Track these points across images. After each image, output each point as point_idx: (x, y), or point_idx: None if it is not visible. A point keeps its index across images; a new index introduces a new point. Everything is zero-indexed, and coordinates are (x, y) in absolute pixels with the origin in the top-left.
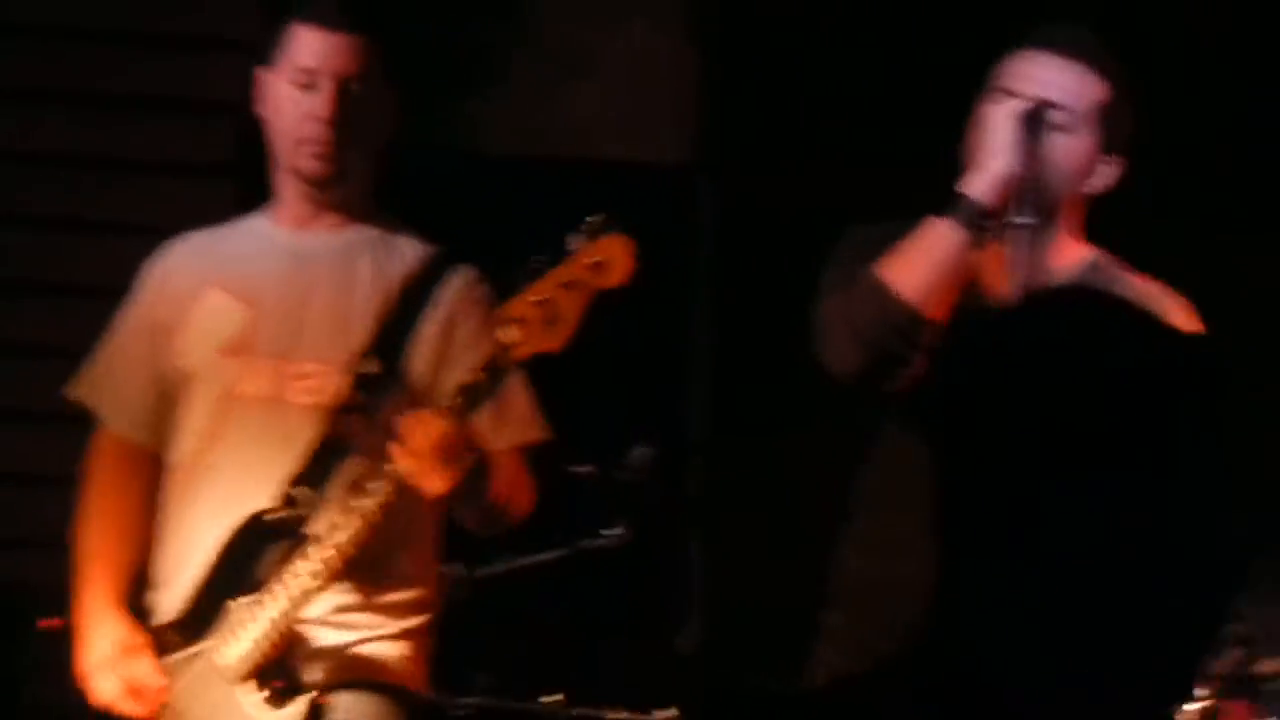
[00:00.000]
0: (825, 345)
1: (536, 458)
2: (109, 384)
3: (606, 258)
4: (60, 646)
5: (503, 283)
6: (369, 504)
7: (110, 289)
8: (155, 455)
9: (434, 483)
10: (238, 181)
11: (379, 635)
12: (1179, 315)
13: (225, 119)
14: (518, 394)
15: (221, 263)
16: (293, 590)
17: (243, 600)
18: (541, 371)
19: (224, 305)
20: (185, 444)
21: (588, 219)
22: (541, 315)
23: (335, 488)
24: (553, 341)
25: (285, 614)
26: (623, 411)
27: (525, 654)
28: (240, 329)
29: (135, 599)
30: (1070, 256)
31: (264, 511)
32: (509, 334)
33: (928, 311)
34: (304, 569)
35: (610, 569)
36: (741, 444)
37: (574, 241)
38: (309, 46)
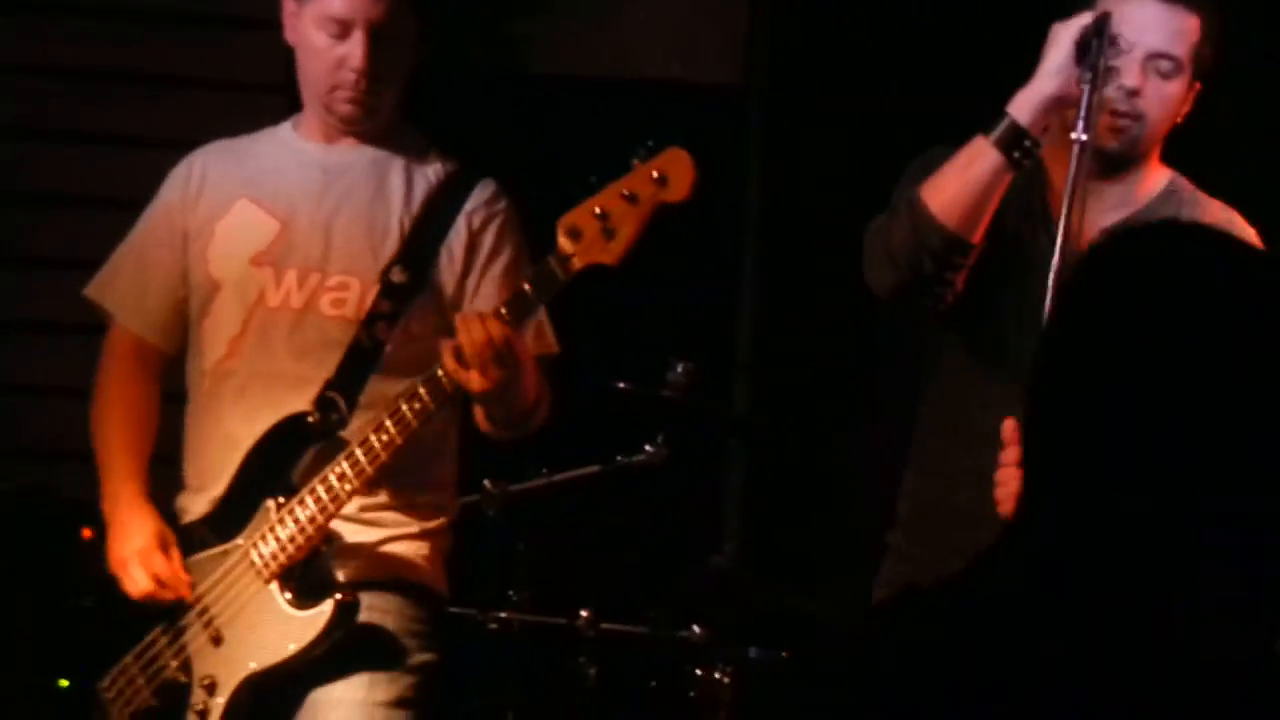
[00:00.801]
0: (866, 262)
1: (574, 373)
2: (125, 284)
3: (668, 172)
4: (100, 554)
5: (551, 201)
6: (406, 412)
7: None
8: (165, 357)
9: (477, 381)
10: (287, 99)
11: (403, 534)
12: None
13: (276, 37)
14: None
15: (251, 173)
16: (326, 494)
17: (277, 501)
18: (589, 287)
19: (254, 217)
20: (215, 351)
21: (650, 141)
22: (600, 227)
23: (369, 394)
24: (609, 254)
25: (317, 517)
26: (669, 328)
27: (560, 569)
28: (271, 241)
29: (167, 502)
30: (1149, 181)
31: (300, 414)
32: (565, 244)
33: (962, 232)
34: (338, 473)
35: (649, 485)
36: (788, 363)
37: (637, 157)
38: None
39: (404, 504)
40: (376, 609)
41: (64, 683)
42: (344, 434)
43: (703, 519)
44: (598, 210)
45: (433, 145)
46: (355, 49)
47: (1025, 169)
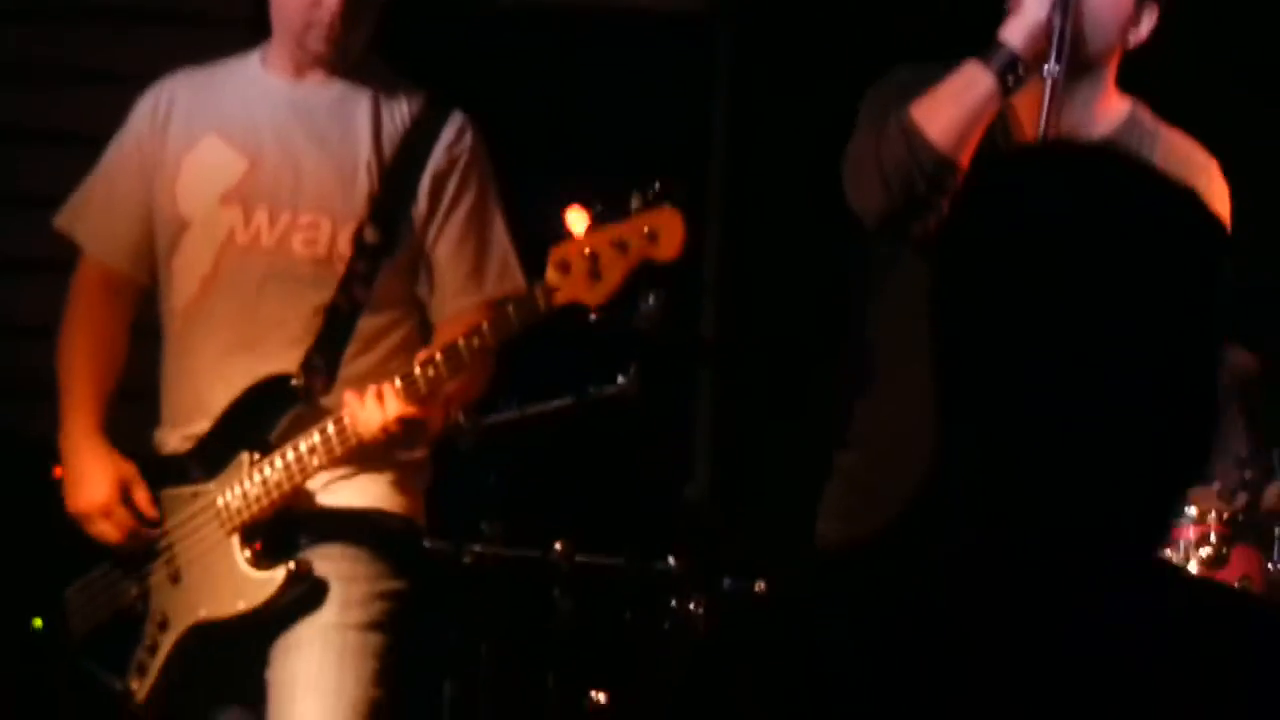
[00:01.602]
0: (852, 184)
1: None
2: (95, 214)
3: (660, 230)
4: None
5: (521, 134)
6: (430, 372)
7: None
8: (138, 285)
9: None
10: (251, 33)
11: (382, 465)
12: (1204, 176)
13: None
14: (499, 238)
15: (217, 107)
16: (295, 463)
17: (251, 455)
18: (552, 220)
19: (222, 153)
20: (187, 289)
21: (657, 182)
22: (588, 268)
23: (349, 360)
24: (593, 296)
25: (283, 482)
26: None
27: (532, 501)
28: (239, 178)
29: (138, 438)
30: (1109, 110)
31: (285, 376)
32: (553, 277)
33: (955, 156)
34: (309, 446)
35: (619, 417)
36: (753, 292)
37: (634, 200)
38: None
39: (378, 466)
40: (351, 540)
41: (38, 622)
42: (325, 401)
43: (675, 449)
44: (588, 251)
45: (400, 78)
46: None
47: (1015, 92)
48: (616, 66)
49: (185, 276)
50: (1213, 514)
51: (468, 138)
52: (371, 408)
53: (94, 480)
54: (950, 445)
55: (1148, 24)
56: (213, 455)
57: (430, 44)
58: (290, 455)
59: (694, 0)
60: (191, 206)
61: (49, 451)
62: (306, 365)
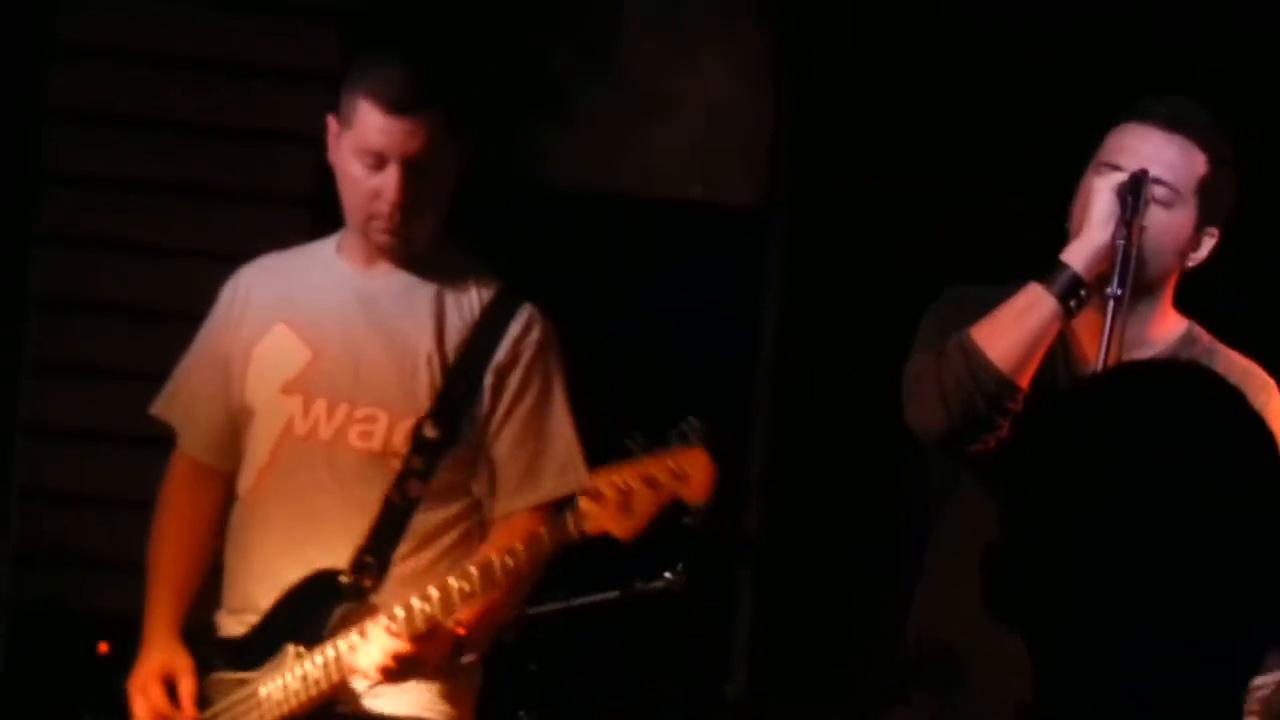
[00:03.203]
0: (912, 404)
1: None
2: (183, 404)
3: (689, 472)
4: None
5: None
6: (426, 608)
7: (188, 314)
8: (226, 476)
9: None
10: (312, 211)
11: (423, 687)
12: (1264, 394)
13: (301, 149)
14: (562, 435)
15: (289, 296)
16: (335, 659)
17: (297, 649)
18: (609, 410)
19: (288, 342)
20: (247, 480)
21: (690, 420)
22: (619, 500)
23: (402, 556)
24: (622, 529)
25: (321, 680)
26: None
27: (572, 693)
28: (302, 368)
29: (204, 615)
30: (1165, 329)
31: (335, 572)
32: (586, 506)
33: (1017, 378)
34: (350, 644)
35: (664, 611)
36: (803, 489)
37: (672, 435)
38: (375, 128)
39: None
40: None
41: None
42: (375, 598)
43: (716, 646)
44: (622, 485)
45: (473, 265)
46: (390, 182)
47: (1077, 314)
48: (667, 255)
49: (247, 466)
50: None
51: (535, 331)
52: (368, 646)
53: (146, 658)
54: (1048, 697)
55: (1207, 247)
56: (263, 644)
57: (489, 222)
58: (330, 653)
59: (747, 194)
60: (256, 396)
61: (95, 625)
62: (357, 562)
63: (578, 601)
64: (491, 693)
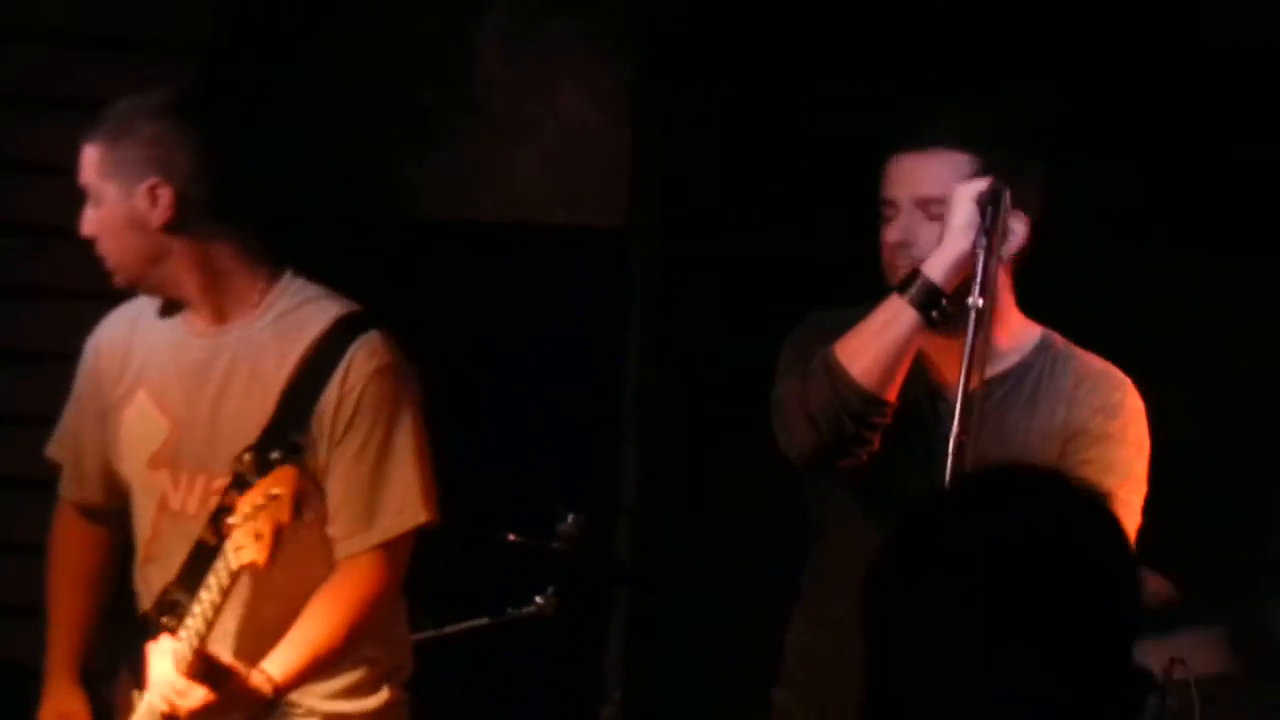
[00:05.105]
0: (780, 426)
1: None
2: (68, 449)
3: (276, 488)
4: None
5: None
6: (205, 600)
7: (63, 354)
8: (114, 512)
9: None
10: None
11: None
12: (1119, 392)
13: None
14: (402, 471)
15: (146, 359)
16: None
17: (140, 692)
18: (473, 436)
19: (149, 414)
20: (138, 552)
21: (289, 438)
22: (253, 531)
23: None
24: (260, 556)
25: (152, 709)
26: (554, 476)
27: None
28: (163, 440)
29: None
30: (1016, 337)
31: (148, 613)
32: (239, 537)
33: (882, 393)
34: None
35: (536, 636)
36: (673, 511)
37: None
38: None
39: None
40: None
41: None
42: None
43: (590, 670)
44: (251, 511)
45: (310, 296)
46: (86, 218)
47: (938, 325)
48: (531, 280)
49: (138, 533)
50: None
51: (373, 361)
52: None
53: (44, 707)
54: None
55: (1020, 235)
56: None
57: (352, 256)
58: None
59: (609, 216)
60: (129, 470)
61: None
62: (161, 601)
63: (449, 629)
64: None
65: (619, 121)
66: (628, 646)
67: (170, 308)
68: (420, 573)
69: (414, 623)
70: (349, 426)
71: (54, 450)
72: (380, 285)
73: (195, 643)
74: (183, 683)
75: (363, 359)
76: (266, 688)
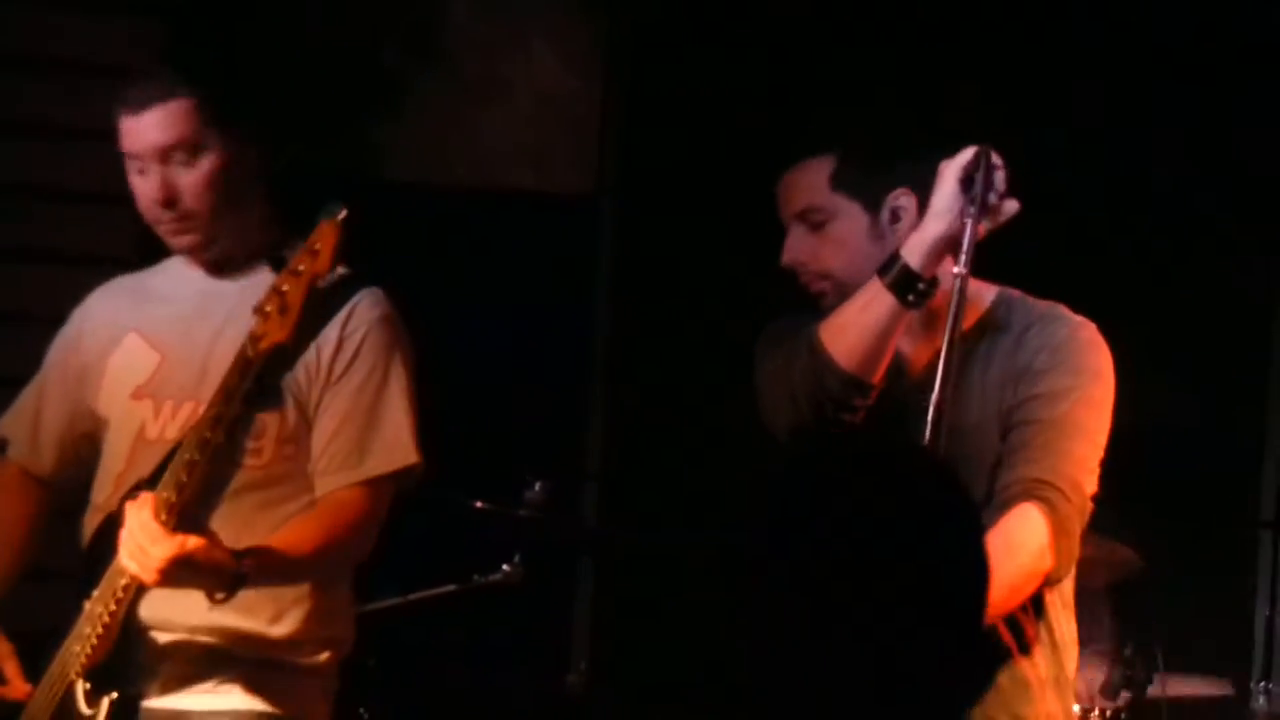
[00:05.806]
0: (765, 409)
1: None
2: (24, 418)
3: (319, 244)
4: None
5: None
6: (184, 458)
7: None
8: (52, 488)
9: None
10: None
11: (277, 664)
12: (1068, 326)
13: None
14: (394, 414)
15: (141, 306)
16: (108, 588)
17: (89, 597)
18: (441, 402)
19: (138, 350)
20: (105, 489)
21: (329, 205)
22: (277, 305)
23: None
24: (282, 331)
25: (104, 613)
26: (521, 443)
27: (414, 689)
28: (151, 373)
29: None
30: (973, 297)
31: (113, 512)
32: (257, 326)
33: (862, 374)
34: (118, 566)
35: (503, 603)
36: (639, 475)
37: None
38: (126, 131)
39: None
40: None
41: None
42: None
43: (557, 637)
44: (276, 289)
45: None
46: (152, 182)
47: (921, 307)
48: (499, 243)
49: (104, 475)
50: (1095, 711)
51: (373, 311)
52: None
53: None
54: None
55: (909, 213)
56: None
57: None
58: (105, 582)
59: (578, 181)
60: (110, 406)
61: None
62: (127, 497)
63: (415, 595)
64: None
65: (589, 86)
66: (593, 614)
67: (168, 264)
68: (387, 540)
69: (378, 590)
70: (349, 366)
71: (5, 426)
72: (344, 247)
73: (173, 494)
74: (156, 528)
75: (366, 306)
76: (231, 562)
